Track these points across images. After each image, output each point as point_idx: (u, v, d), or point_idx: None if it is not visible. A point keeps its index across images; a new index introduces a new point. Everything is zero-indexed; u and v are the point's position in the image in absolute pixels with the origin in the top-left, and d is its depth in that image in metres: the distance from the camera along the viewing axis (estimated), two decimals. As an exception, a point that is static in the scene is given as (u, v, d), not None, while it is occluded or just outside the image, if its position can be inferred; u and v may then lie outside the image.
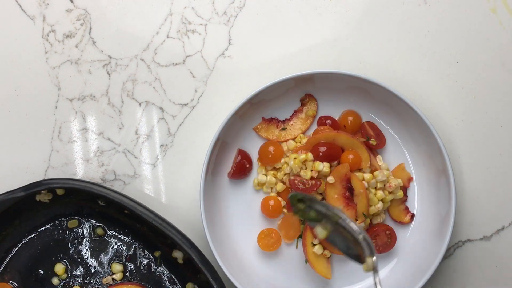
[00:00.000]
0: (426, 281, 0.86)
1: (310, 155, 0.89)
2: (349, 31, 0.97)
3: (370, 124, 0.93)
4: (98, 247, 0.93)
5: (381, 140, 0.92)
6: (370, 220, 0.91)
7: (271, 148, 0.92)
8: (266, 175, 0.92)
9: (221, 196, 0.93)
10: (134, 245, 0.92)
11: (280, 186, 0.92)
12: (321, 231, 0.80)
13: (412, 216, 0.92)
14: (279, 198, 0.92)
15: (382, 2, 0.97)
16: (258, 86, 0.89)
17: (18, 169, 0.97)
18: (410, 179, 0.93)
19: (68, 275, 0.92)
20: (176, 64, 0.97)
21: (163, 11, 0.98)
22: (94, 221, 0.93)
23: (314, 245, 0.91)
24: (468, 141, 0.95)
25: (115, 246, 0.93)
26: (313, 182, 0.88)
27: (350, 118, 0.92)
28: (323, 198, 0.90)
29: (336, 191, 0.88)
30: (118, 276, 0.92)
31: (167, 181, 0.97)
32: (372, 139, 0.91)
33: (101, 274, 0.92)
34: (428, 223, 0.91)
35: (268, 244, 0.92)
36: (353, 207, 0.88)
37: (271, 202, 0.92)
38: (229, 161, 0.94)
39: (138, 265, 0.92)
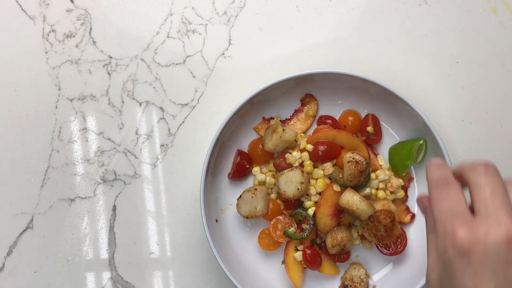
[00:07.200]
0: (427, 281, 0.86)
1: (307, 145, 0.90)
2: (349, 31, 0.97)
3: (373, 118, 0.92)
4: None
5: (377, 135, 0.92)
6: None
7: (260, 146, 0.92)
8: (265, 175, 0.92)
9: (221, 196, 0.93)
10: None
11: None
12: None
13: (413, 216, 0.92)
14: (278, 201, 0.92)
15: (382, 2, 0.97)
16: (258, 86, 0.89)
17: (18, 169, 0.97)
18: (410, 179, 0.93)
19: None
20: (176, 64, 0.97)
21: (163, 11, 0.98)
22: None
23: (297, 250, 0.91)
24: (468, 141, 0.95)
25: None
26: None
27: (351, 118, 0.92)
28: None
29: (327, 210, 0.88)
30: None
31: (167, 181, 0.97)
32: (369, 127, 0.91)
33: None
34: (428, 223, 0.91)
35: (269, 244, 0.92)
36: (336, 220, 0.88)
37: (270, 206, 0.92)
38: (229, 161, 0.94)
39: None
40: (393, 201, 0.91)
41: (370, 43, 0.96)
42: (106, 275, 0.96)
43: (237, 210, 0.90)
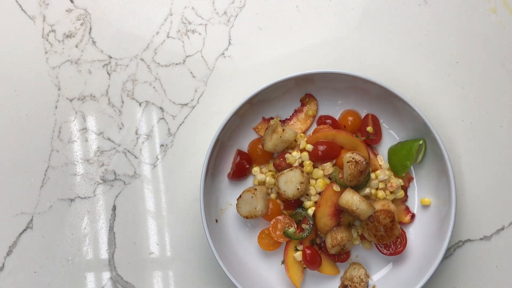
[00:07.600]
0: (426, 281, 0.86)
1: (306, 145, 0.90)
2: (349, 31, 0.97)
3: (373, 118, 0.92)
4: None
5: (377, 135, 0.92)
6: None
7: (260, 146, 0.92)
8: (265, 175, 0.92)
9: (221, 196, 0.93)
10: None
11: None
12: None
13: (413, 216, 0.92)
14: (278, 201, 0.92)
15: (382, 2, 0.97)
16: (258, 86, 0.89)
17: (18, 169, 0.97)
18: (410, 179, 0.93)
19: None
20: (176, 64, 0.97)
21: (163, 11, 0.98)
22: None
23: (297, 250, 0.91)
24: (468, 141, 0.95)
25: None
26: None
27: (350, 118, 0.92)
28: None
29: (327, 210, 0.88)
30: None
31: (167, 181, 0.97)
32: (369, 127, 0.91)
33: None
34: (428, 223, 0.91)
35: (269, 244, 0.92)
36: (336, 220, 0.88)
37: (270, 206, 0.91)
38: (229, 160, 0.94)
39: None
40: (393, 201, 0.91)
41: (370, 43, 0.96)
42: (106, 275, 0.96)
43: (237, 210, 0.90)
